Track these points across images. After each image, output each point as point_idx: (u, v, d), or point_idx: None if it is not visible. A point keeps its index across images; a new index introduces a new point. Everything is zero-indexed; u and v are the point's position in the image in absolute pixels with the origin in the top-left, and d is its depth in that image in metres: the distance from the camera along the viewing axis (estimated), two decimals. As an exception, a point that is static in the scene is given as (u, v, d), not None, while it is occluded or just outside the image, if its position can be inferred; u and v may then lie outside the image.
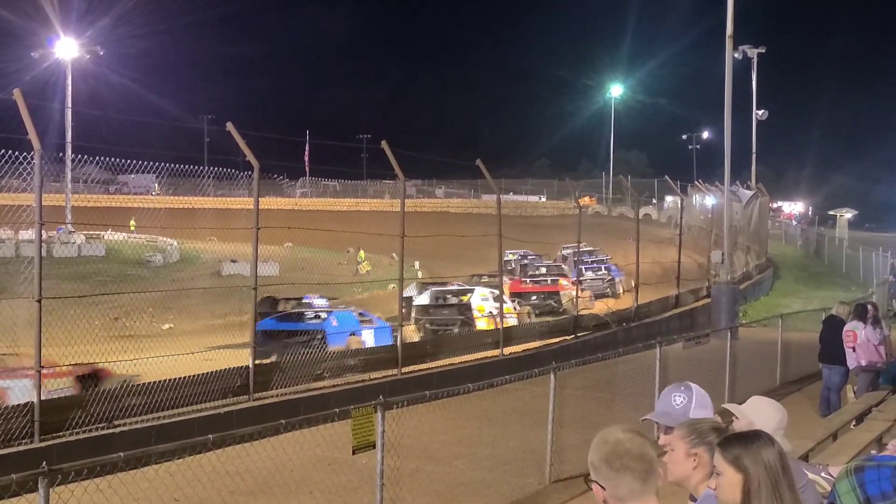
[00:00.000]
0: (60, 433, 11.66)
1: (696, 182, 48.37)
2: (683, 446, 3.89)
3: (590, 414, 14.09)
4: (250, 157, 14.90)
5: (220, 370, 14.35)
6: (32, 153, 11.97)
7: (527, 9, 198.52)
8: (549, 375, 11.69)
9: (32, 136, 11.80)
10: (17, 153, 12.65)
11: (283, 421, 8.55)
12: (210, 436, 7.77)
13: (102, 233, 51.92)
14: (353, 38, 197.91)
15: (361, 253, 45.27)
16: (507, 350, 20.16)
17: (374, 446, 8.63)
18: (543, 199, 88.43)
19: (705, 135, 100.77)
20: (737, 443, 3.42)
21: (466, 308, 26.49)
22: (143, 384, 13.24)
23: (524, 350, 20.83)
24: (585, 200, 54.86)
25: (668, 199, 67.88)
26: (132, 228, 54.82)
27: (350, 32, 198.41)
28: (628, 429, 3.29)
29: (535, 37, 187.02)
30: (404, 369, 17.37)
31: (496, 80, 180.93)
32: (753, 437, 3.44)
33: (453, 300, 27.29)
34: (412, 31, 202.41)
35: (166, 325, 29.68)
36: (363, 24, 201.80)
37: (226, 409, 13.68)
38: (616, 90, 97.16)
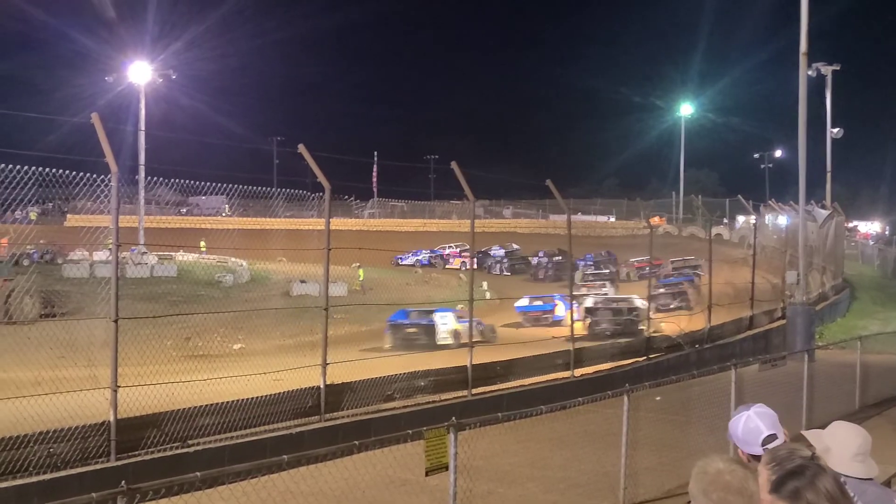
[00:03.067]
0: (136, 452, 11.77)
1: (769, 201, 47.63)
2: (765, 473, 3.78)
3: (664, 437, 13.87)
4: (321, 178, 14.96)
5: (292, 390, 14.39)
6: (108, 176, 12.14)
7: (595, 29, 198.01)
8: (622, 397, 11.53)
9: (109, 158, 11.96)
10: (90, 175, 12.86)
11: (356, 441, 8.54)
12: (284, 456, 7.78)
13: (174, 254, 52.78)
14: (420, 61, 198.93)
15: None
16: (578, 372, 19.95)
17: (446, 468, 8.57)
18: (612, 219, 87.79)
19: (778, 153, 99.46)
20: (789, 478, 3.28)
21: (632, 311, 32.75)
22: (217, 404, 13.30)
23: (595, 372, 20.61)
24: (655, 220, 54.52)
25: (740, 218, 67.03)
26: (203, 249, 55.64)
27: (417, 55, 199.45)
28: (730, 459, 3.18)
29: (603, 57, 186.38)
30: (474, 390, 17.27)
31: (564, 100, 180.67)
32: (804, 468, 3.28)
33: (618, 305, 34.12)
34: (479, 53, 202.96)
35: (237, 345, 29.91)
36: (430, 47, 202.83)
37: (297, 429, 13.71)
38: (686, 109, 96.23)
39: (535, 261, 56.97)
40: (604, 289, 43.62)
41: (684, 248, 54.01)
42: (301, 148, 15.07)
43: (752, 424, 4.21)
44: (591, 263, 52.62)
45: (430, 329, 29.42)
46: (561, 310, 34.14)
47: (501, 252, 62.77)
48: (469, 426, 9.42)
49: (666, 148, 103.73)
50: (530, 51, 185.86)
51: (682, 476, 11.78)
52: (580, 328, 29.11)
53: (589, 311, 33.56)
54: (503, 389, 18.01)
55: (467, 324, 18.30)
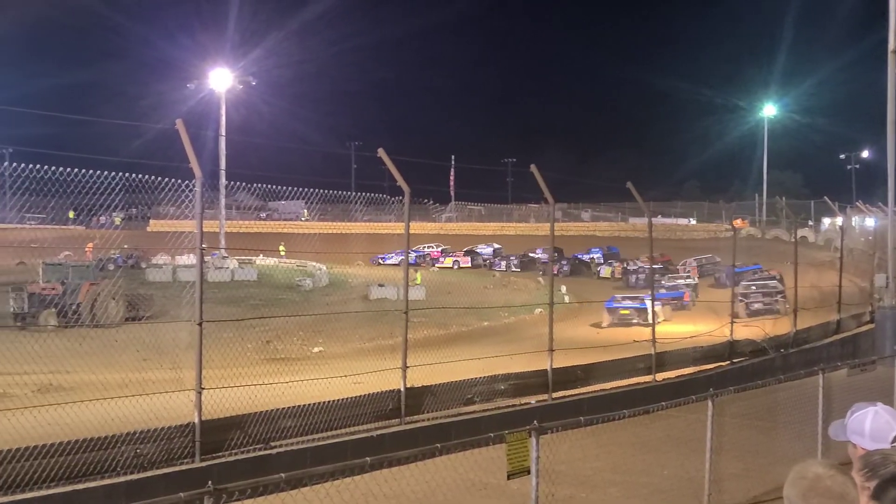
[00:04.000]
0: (220, 453, 11.91)
1: (856, 203, 46.65)
2: (858, 479, 3.67)
3: (748, 442, 13.63)
4: (401, 181, 14.99)
5: (372, 393, 14.44)
6: (191, 181, 12.32)
7: (675, 30, 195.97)
8: (705, 402, 11.33)
9: (194, 164, 12.13)
10: (175, 180, 13.07)
11: (438, 444, 8.51)
12: (367, 458, 7.78)
13: (254, 258, 53.50)
14: (497, 64, 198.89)
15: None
16: (660, 376, 19.71)
17: (528, 472, 8.51)
18: (693, 222, 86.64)
19: (865, 154, 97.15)
20: (891, 485, 3.15)
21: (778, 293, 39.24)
22: (299, 406, 13.41)
23: (678, 376, 20.32)
24: (738, 223, 53.92)
25: (826, 220, 65.70)
26: (282, 253, 56.33)
27: (495, 58, 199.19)
28: (829, 464, 3.08)
29: (684, 57, 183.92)
30: (554, 394, 17.17)
31: (642, 101, 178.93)
32: None
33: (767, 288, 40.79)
34: (557, 55, 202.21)
35: (316, 349, 30.16)
36: (506, 50, 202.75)
37: (378, 432, 13.75)
38: (769, 110, 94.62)
39: (631, 266, 56.38)
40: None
41: (768, 250, 53.22)
42: (381, 152, 15.12)
43: (882, 420, 4.14)
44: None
45: (643, 311, 34.35)
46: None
47: (490, 250, 64.57)
48: (550, 430, 9.34)
49: (748, 149, 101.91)
50: (609, 52, 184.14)
51: (769, 482, 11.55)
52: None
53: (743, 294, 38.65)
54: (584, 393, 17.87)
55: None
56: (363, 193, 18.48)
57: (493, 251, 64.72)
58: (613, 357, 20.15)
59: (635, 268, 55.20)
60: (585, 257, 61.95)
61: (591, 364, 19.15)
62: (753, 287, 41.46)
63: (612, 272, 59.17)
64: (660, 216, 79.49)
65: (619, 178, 20.04)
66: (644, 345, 20.66)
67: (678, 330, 26.46)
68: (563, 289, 43.93)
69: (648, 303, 32.86)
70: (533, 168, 17.37)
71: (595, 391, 18.09)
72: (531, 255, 60.81)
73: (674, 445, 13.94)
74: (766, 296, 40.22)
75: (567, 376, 17.98)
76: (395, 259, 60.74)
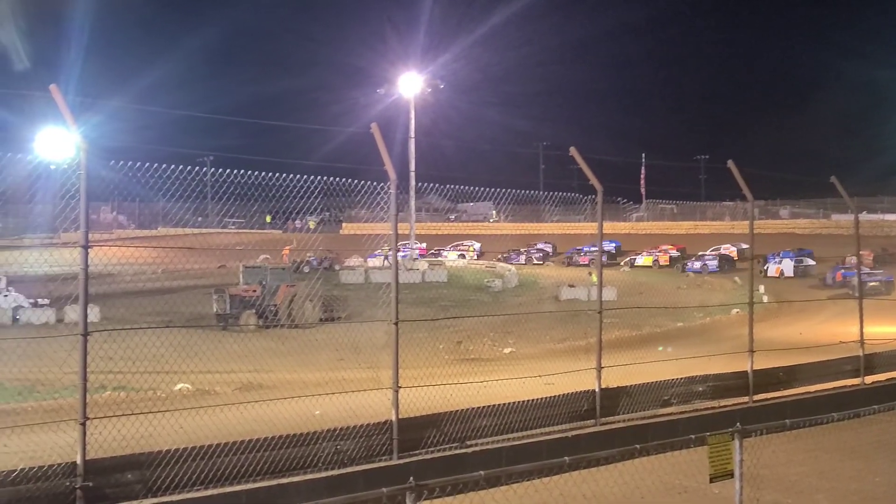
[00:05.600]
0: (416, 451, 12.04)
1: None
2: None
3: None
4: (593, 180, 14.81)
5: (567, 394, 14.32)
6: (384, 184, 12.54)
7: (877, 19, 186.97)
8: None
9: (388, 167, 12.34)
10: (370, 183, 13.31)
11: (637, 445, 8.34)
12: (566, 458, 7.69)
13: (444, 259, 54.30)
14: (685, 60, 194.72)
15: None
16: (869, 379, 18.78)
17: (731, 475, 8.27)
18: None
19: None
20: None
21: None
22: (493, 406, 13.43)
23: (888, 379, 19.29)
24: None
25: None
26: (471, 254, 56.85)
27: (683, 54, 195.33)
28: None
29: (888, 47, 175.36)
30: (755, 397, 16.61)
31: (844, 93, 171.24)
32: None
33: None
34: (750, 48, 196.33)
35: (507, 349, 30.24)
36: (695, 46, 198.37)
37: (572, 432, 13.62)
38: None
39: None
40: None
41: None
42: (573, 151, 14.96)
43: None
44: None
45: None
46: None
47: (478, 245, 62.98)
48: (754, 433, 9.02)
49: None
50: (807, 44, 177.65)
51: None
52: None
53: None
54: (786, 396, 17.23)
55: None
56: (553, 193, 18.31)
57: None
58: (817, 359, 19.33)
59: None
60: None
61: (793, 366, 18.45)
62: None
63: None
64: (864, 212, 75.88)
65: (820, 174, 19.18)
66: (851, 346, 19.71)
67: (887, 331, 25.17)
68: (762, 289, 42.59)
69: None
70: (730, 164, 16.84)
71: (798, 394, 17.42)
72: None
73: (886, 451, 13.27)
74: None
75: (768, 378, 17.37)
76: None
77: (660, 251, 61.43)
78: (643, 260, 60.04)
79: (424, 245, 65.14)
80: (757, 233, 18.26)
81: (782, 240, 63.13)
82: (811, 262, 59.47)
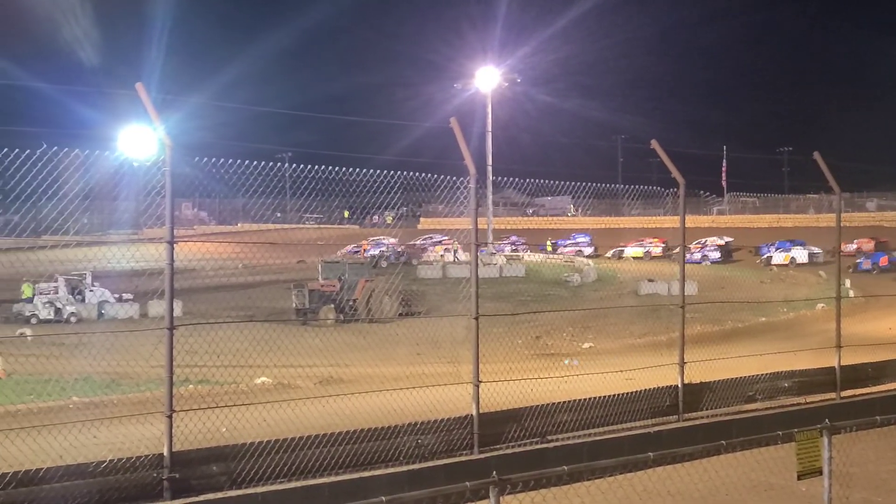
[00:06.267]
0: (497, 445, 12.01)
1: None
2: None
3: None
4: (675, 173, 14.63)
5: (649, 389, 14.19)
6: (462, 178, 12.53)
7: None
8: None
9: (468, 161, 12.33)
10: (449, 178, 13.29)
11: (722, 442, 8.19)
12: (650, 453, 7.58)
13: (522, 253, 54.13)
14: (767, 51, 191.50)
15: None
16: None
17: (819, 472, 8.09)
18: None
19: None
20: None
21: None
22: (574, 401, 13.35)
23: (983, 376, 18.72)
24: None
25: None
26: (549, 249, 56.59)
27: (765, 45, 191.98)
28: None
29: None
30: (843, 393, 16.27)
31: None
32: None
33: None
34: (833, 38, 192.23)
35: (586, 344, 30.04)
36: (777, 37, 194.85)
37: (654, 428, 13.48)
38: None
39: None
40: None
41: None
42: (654, 143, 14.79)
43: None
44: None
45: None
46: None
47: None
48: (843, 430, 8.80)
49: None
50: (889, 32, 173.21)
51: None
52: None
53: None
54: (875, 393, 16.88)
55: None
56: (638, 187, 18.05)
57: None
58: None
59: None
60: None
61: (882, 362, 18.03)
62: None
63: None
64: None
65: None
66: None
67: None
68: (847, 283, 41.72)
69: None
70: (816, 155, 16.48)
71: (888, 391, 17.02)
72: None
73: (981, 450, 12.86)
74: None
75: (856, 374, 17.02)
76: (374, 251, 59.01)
77: (650, 243, 60.15)
78: (632, 252, 59.04)
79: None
80: (843, 225, 17.84)
81: (868, 233, 61.73)
82: (817, 250, 59.13)
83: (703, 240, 60.22)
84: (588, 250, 58.17)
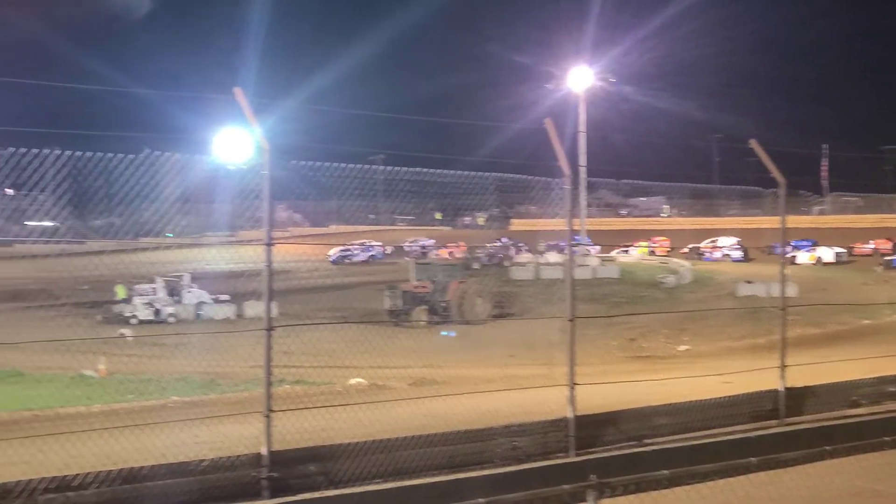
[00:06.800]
0: (593, 448, 11.88)
1: None
2: None
3: None
4: (775, 173, 14.31)
5: (749, 393, 13.91)
6: (555, 180, 12.46)
7: None
8: None
9: (563, 163, 12.26)
10: (539, 179, 13.23)
11: (827, 447, 8.00)
12: (752, 458, 7.44)
13: (616, 255, 53.61)
14: (872, 47, 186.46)
15: None
16: None
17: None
18: None
19: None
20: None
21: None
22: (672, 405, 13.17)
23: None
24: None
25: None
26: (643, 251, 55.97)
27: (869, 41, 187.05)
28: None
29: None
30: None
31: None
32: None
33: None
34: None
35: (682, 347, 29.62)
36: (882, 27, 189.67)
37: (755, 433, 13.17)
38: None
39: None
40: None
41: None
42: (753, 143, 14.51)
43: None
44: None
45: None
46: None
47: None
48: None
49: None
50: None
51: None
52: None
53: None
54: None
55: None
56: (730, 186, 17.73)
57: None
58: None
59: None
60: None
61: None
62: None
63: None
64: None
65: None
66: None
67: None
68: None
69: None
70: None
71: None
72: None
73: None
74: None
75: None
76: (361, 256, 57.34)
77: (654, 242, 58.79)
78: (637, 251, 57.75)
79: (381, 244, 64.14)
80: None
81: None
82: (842, 249, 58.65)
83: (714, 239, 59.05)
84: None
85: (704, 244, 56.86)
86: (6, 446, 10.68)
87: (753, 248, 51.32)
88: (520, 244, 55.72)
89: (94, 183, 10.75)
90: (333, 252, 52.60)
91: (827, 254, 57.58)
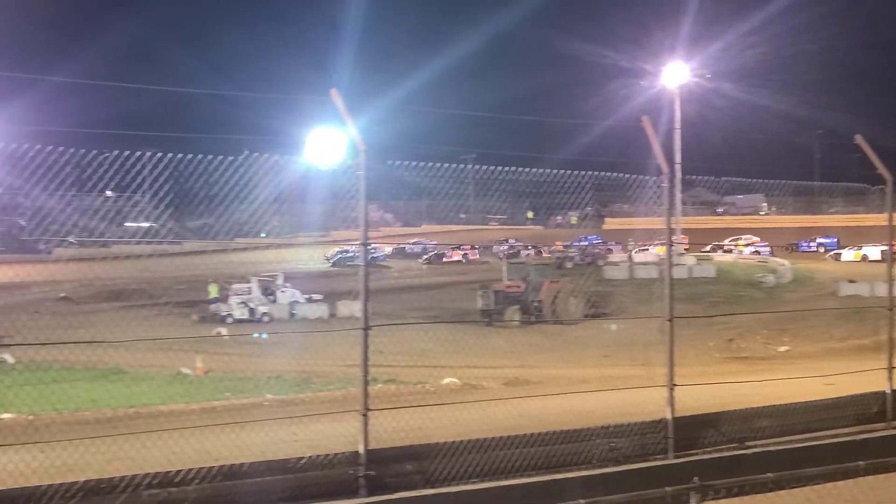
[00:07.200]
0: (693, 451, 11.66)
1: None
2: None
3: None
4: (882, 169, 13.91)
5: (854, 395, 13.55)
6: (653, 178, 12.29)
7: None
8: None
9: (661, 160, 12.08)
10: (629, 177, 13.05)
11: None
12: (860, 462, 7.20)
13: (713, 254, 52.70)
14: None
15: None
16: None
17: None
18: None
19: None
20: None
21: None
22: (773, 406, 12.88)
23: None
24: None
25: None
26: (741, 250, 54.83)
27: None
28: None
29: None
30: None
31: None
32: None
33: None
34: None
35: (782, 348, 28.97)
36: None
37: (860, 436, 12.79)
38: None
39: None
40: None
41: None
42: (858, 139, 14.10)
43: None
44: None
45: None
46: None
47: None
48: None
49: None
50: None
51: None
52: None
53: None
54: None
55: None
56: (832, 183, 17.28)
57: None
58: None
59: None
60: None
61: None
62: None
63: (864, 257, 52.89)
64: None
65: None
66: None
67: None
68: None
69: None
70: None
71: None
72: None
73: None
74: None
75: None
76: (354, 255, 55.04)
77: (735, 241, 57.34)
78: (655, 250, 56.15)
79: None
80: None
81: None
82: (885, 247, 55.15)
83: (739, 237, 57.56)
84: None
85: (727, 242, 55.84)
86: (111, 442, 10.92)
87: (776, 245, 50.32)
88: (609, 243, 55.20)
89: (193, 184, 10.91)
90: (331, 253, 51.67)
91: (873, 252, 56.02)
